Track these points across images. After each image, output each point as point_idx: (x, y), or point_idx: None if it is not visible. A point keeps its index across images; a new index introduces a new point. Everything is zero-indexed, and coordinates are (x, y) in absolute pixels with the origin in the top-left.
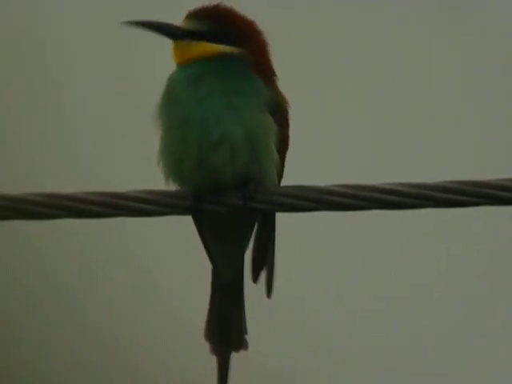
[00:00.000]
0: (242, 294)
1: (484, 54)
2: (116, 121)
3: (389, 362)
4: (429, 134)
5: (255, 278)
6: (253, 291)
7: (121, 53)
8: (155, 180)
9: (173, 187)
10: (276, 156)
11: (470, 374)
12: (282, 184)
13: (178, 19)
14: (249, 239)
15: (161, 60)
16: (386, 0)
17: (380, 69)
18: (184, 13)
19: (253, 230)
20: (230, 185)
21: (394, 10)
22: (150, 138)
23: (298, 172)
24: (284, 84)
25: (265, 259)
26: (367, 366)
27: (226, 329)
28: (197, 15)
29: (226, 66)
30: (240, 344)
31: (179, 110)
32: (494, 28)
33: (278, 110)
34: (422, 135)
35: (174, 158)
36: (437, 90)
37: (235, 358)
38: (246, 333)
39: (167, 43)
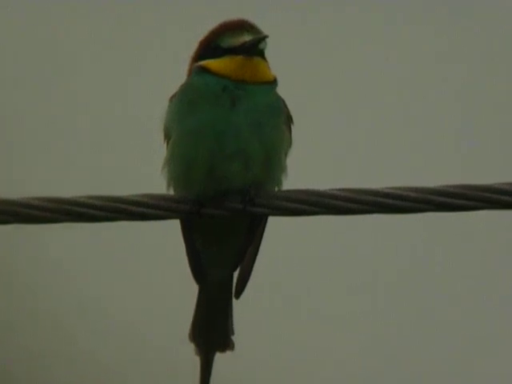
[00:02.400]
0: (230, 294)
1: (485, 56)
2: (116, 125)
3: (384, 363)
4: (430, 138)
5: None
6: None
7: (123, 58)
8: (152, 184)
9: (173, 192)
10: (286, 165)
11: (469, 374)
12: (283, 188)
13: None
14: (241, 242)
15: (162, 66)
16: (385, 1)
17: (382, 73)
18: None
19: (247, 231)
20: (236, 191)
21: (393, 13)
22: (150, 142)
23: (298, 176)
24: (286, 88)
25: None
26: (360, 367)
27: (212, 330)
28: (260, 32)
29: (268, 89)
30: (226, 345)
31: (199, 119)
32: (495, 28)
33: (288, 119)
34: (422, 139)
35: (184, 164)
36: (438, 93)
37: (218, 358)
38: (233, 333)
39: (170, 50)
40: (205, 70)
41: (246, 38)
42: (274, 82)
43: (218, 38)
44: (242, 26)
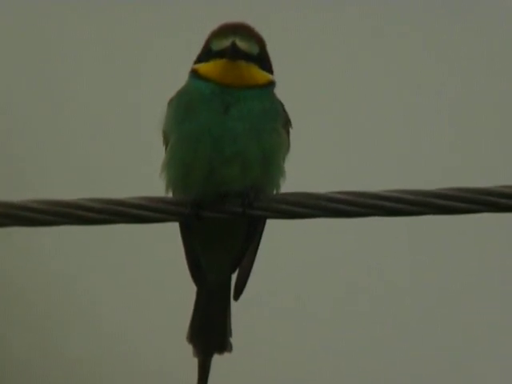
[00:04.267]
0: (229, 296)
1: (485, 59)
2: (116, 127)
3: (380, 364)
4: (428, 141)
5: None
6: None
7: (123, 60)
8: (151, 187)
9: (171, 195)
10: (284, 169)
11: (469, 374)
12: (281, 191)
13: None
14: (240, 244)
15: (163, 69)
16: (381, 5)
17: (380, 76)
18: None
19: (245, 234)
20: (235, 195)
21: (392, 13)
22: (149, 145)
23: (297, 179)
24: (285, 91)
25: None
26: (359, 369)
27: (210, 331)
28: (250, 36)
29: (262, 93)
30: (224, 346)
31: (195, 123)
32: (495, 29)
33: (287, 123)
34: (421, 142)
35: (182, 168)
36: (436, 96)
37: (216, 359)
38: (231, 335)
39: (170, 51)
40: (196, 74)
41: (228, 42)
42: (269, 86)
43: (210, 41)
44: (230, 29)
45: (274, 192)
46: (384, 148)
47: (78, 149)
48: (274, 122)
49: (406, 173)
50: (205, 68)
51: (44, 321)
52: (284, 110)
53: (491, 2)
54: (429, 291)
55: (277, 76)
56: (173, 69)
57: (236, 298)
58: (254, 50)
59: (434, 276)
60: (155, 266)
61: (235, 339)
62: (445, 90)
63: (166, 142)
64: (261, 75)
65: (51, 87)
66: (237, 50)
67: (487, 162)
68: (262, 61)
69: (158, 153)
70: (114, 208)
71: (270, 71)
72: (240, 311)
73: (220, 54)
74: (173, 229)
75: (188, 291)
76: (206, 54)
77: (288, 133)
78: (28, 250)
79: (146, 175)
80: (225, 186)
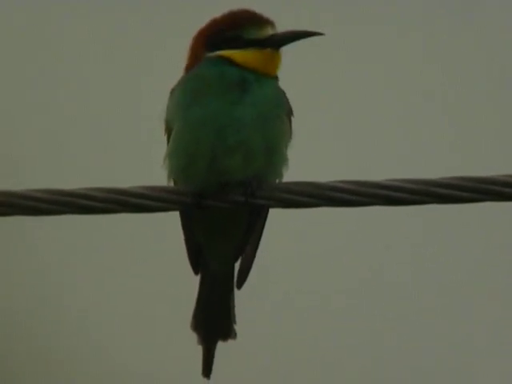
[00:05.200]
0: (232, 284)
1: (485, 52)
2: (118, 116)
3: (378, 361)
4: (431, 130)
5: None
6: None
7: (123, 51)
8: (153, 176)
9: (173, 185)
10: (287, 157)
11: (466, 376)
12: (284, 180)
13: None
14: (242, 233)
15: (162, 60)
16: (381, 7)
17: (381, 65)
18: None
19: (248, 223)
20: (238, 184)
21: (392, 13)
22: (151, 134)
23: (300, 168)
24: (287, 80)
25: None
26: (360, 357)
27: (214, 319)
28: (273, 24)
29: (274, 80)
30: (228, 334)
31: (201, 109)
32: (495, 29)
33: (289, 112)
34: (424, 131)
35: (185, 157)
36: (438, 85)
37: (220, 346)
38: (235, 322)
39: (170, 44)
40: (223, 61)
41: (271, 31)
42: (276, 75)
43: (241, 29)
44: (265, 19)
45: (277, 181)
46: (386, 137)
47: (79, 138)
48: (278, 109)
49: (408, 162)
50: (242, 55)
51: (38, 312)
52: (286, 99)
53: (491, 2)
54: (431, 282)
55: (282, 64)
56: (173, 60)
57: (239, 286)
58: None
59: (436, 267)
60: (157, 254)
61: (239, 327)
62: (446, 79)
63: (168, 131)
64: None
65: (52, 78)
66: (280, 40)
67: (490, 151)
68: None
69: (159, 142)
70: (115, 197)
71: None
72: (243, 299)
73: (259, 43)
74: (175, 217)
75: (191, 280)
76: (232, 42)
77: (290, 121)
78: (24, 242)
79: (148, 164)
80: (227, 176)
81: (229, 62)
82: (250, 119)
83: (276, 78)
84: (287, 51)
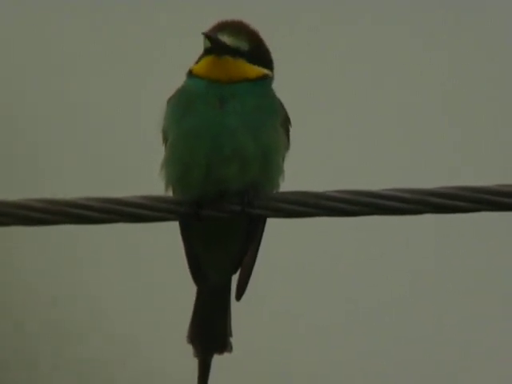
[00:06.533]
0: (229, 296)
1: (485, 59)
2: (116, 126)
3: (380, 366)
4: (427, 140)
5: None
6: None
7: (122, 60)
8: (151, 186)
9: (171, 194)
10: (283, 168)
11: (467, 377)
12: (280, 190)
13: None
14: (240, 244)
15: (162, 68)
16: (380, 5)
17: (379, 74)
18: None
19: (245, 233)
20: (235, 193)
21: (392, 13)
22: (149, 143)
23: (296, 177)
24: (284, 89)
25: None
26: (360, 368)
27: (210, 332)
28: (238, 32)
29: (255, 87)
30: (224, 347)
31: (193, 121)
32: (495, 29)
33: (286, 121)
34: (420, 141)
35: (181, 166)
36: (436, 94)
37: (216, 360)
38: (231, 335)
39: (170, 50)
40: (191, 74)
41: (220, 37)
42: (262, 80)
43: (204, 40)
44: (217, 26)
45: (274, 191)
46: (383, 147)
47: (77, 148)
48: (271, 118)
49: (405, 172)
50: (197, 66)
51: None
52: (282, 107)
53: (491, 1)
54: (429, 292)
55: (279, 73)
56: (172, 68)
57: (238, 298)
58: (243, 45)
59: (434, 276)
60: (155, 265)
61: (235, 339)
62: (445, 88)
63: (166, 140)
64: (251, 69)
65: (51, 85)
66: (221, 46)
67: (487, 161)
68: (255, 56)
69: (157, 151)
70: (113, 207)
71: (268, 66)
72: (241, 311)
73: (208, 51)
74: (173, 228)
75: (188, 291)
76: (202, 54)
77: (287, 131)
78: (26, 249)
79: (146, 174)
80: (223, 185)
81: (195, 74)
82: (236, 127)
83: (259, 82)
84: (284, 59)
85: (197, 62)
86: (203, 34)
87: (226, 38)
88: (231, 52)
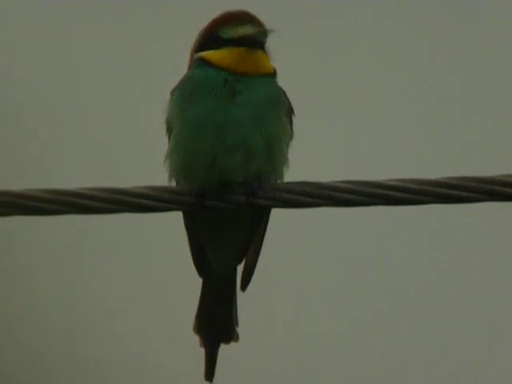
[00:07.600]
0: (235, 286)
1: (485, 49)
2: (119, 117)
3: (383, 363)
4: (432, 130)
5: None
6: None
7: (125, 49)
8: (155, 176)
9: (175, 185)
10: (288, 158)
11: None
12: (284, 180)
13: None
14: (244, 234)
15: (164, 58)
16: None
17: (382, 64)
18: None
19: (250, 224)
20: (239, 184)
21: (392, 12)
22: (153, 134)
23: (301, 168)
24: (288, 79)
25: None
26: (364, 358)
27: (216, 321)
28: (262, 24)
29: (270, 80)
30: (230, 336)
31: (199, 111)
32: (494, 29)
33: (289, 111)
34: (424, 131)
35: (186, 157)
36: (440, 86)
37: (223, 349)
38: (237, 325)
39: (171, 42)
40: (205, 62)
41: (249, 29)
42: (273, 74)
43: (218, 29)
44: (243, 18)
45: (278, 181)
46: (388, 137)
47: (81, 138)
48: (278, 109)
49: (410, 162)
50: (217, 55)
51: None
52: (286, 98)
53: (491, 1)
54: (432, 283)
55: (282, 64)
56: (175, 60)
57: (243, 288)
58: (266, 38)
59: (438, 267)
60: (160, 256)
61: (241, 329)
62: (448, 79)
63: (169, 131)
64: (269, 64)
65: (54, 77)
66: (257, 39)
67: (491, 151)
68: (267, 50)
69: (161, 142)
70: (117, 197)
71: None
72: (246, 301)
73: (235, 42)
74: (178, 218)
75: (188, 291)
76: (214, 42)
77: (291, 121)
78: (29, 242)
79: (150, 164)
80: (228, 175)
81: (208, 63)
82: (245, 119)
83: (271, 76)
84: (288, 50)
85: (199, 50)
86: (260, 32)
87: (252, 31)
88: (261, 46)
